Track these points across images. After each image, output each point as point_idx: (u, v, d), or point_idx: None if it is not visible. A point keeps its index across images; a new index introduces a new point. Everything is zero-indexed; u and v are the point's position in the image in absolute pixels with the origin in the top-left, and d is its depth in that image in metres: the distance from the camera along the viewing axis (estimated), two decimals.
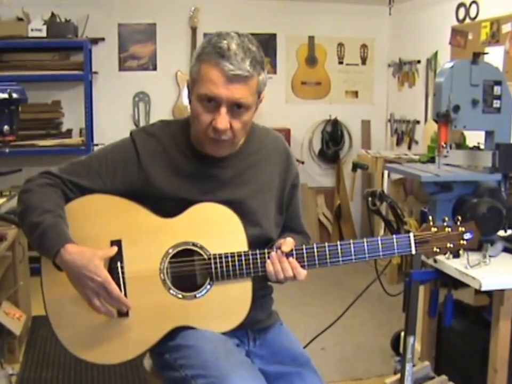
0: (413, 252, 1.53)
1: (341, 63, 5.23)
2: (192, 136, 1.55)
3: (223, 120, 1.42)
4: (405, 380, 1.98)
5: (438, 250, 1.56)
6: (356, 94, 5.31)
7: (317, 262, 1.49)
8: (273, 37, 5.06)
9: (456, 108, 2.22)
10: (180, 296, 1.48)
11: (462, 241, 1.57)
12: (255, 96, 1.46)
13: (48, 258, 1.43)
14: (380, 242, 1.50)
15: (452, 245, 1.56)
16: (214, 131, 1.44)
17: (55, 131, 4.52)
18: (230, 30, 4.58)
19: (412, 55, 4.86)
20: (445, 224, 1.57)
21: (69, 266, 1.41)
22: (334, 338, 3.17)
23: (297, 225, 1.72)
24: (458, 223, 1.58)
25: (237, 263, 1.47)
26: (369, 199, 1.92)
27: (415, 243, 1.53)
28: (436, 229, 1.55)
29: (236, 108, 1.42)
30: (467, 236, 1.57)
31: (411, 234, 1.53)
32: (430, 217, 1.58)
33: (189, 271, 1.49)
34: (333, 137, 5.22)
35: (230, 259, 1.47)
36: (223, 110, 1.41)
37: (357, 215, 5.28)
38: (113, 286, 1.40)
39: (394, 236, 1.52)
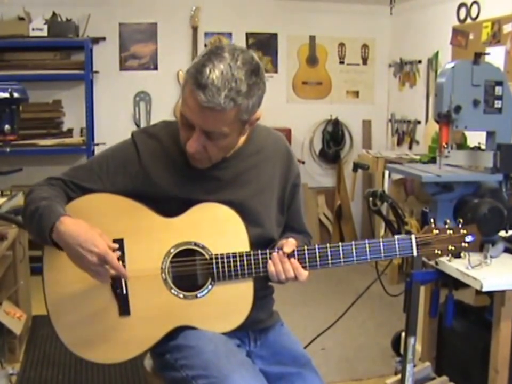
0: (415, 253, 1.53)
1: (341, 63, 5.23)
2: None
3: (193, 144, 1.42)
4: (406, 380, 1.98)
5: (439, 252, 1.56)
6: (356, 94, 5.30)
7: (318, 263, 1.49)
8: (274, 36, 5.06)
9: (458, 108, 2.21)
10: (181, 296, 1.48)
11: (463, 244, 1.57)
12: (235, 124, 1.41)
13: (46, 239, 1.40)
14: (381, 244, 1.50)
15: (453, 247, 1.56)
16: (187, 150, 1.45)
17: (55, 130, 4.52)
18: (231, 30, 4.55)
19: (412, 55, 4.86)
20: (447, 226, 1.57)
21: (65, 238, 1.37)
22: (335, 338, 3.17)
23: (299, 224, 1.72)
24: (460, 225, 1.57)
25: (238, 263, 1.47)
26: (370, 199, 1.92)
27: (417, 245, 1.53)
28: (437, 231, 1.55)
29: (210, 134, 1.41)
30: (469, 238, 1.57)
31: (413, 236, 1.53)
32: (432, 219, 1.58)
33: (190, 271, 1.49)
34: (333, 137, 5.22)
35: (231, 259, 1.47)
36: (196, 134, 1.41)
37: (357, 215, 5.28)
38: (111, 256, 1.37)
39: (396, 238, 1.52)
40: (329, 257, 1.49)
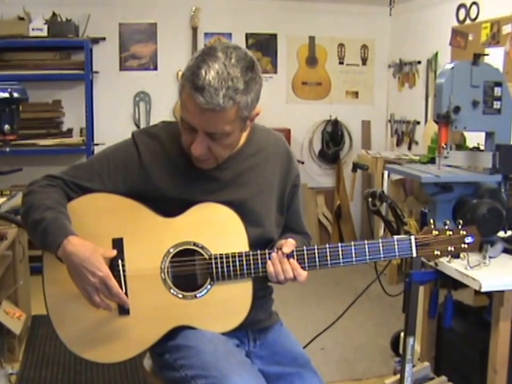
0: (414, 254, 1.53)
1: (341, 63, 5.23)
2: None
3: (198, 146, 1.42)
4: (405, 380, 1.98)
5: (438, 253, 1.55)
6: (356, 94, 5.31)
7: (317, 263, 1.49)
8: (273, 37, 5.06)
9: (457, 109, 2.22)
10: (180, 296, 1.48)
11: (463, 245, 1.56)
12: (236, 122, 1.41)
13: (51, 252, 1.43)
14: (380, 244, 1.50)
15: (452, 249, 1.56)
16: (192, 153, 1.45)
17: (55, 130, 4.52)
18: (230, 30, 4.55)
19: (412, 55, 4.86)
20: (446, 227, 1.57)
21: (71, 257, 1.40)
22: (334, 338, 3.17)
23: (298, 225, 1.72)
24: (460, 226, 1.58)
25: (237, 263, 1.47)
26: (369, 199, 1.93)
27: (416, 246, 1.53)
28: (437, 232, 1.55)
29: (214, 135, 1.41)
30: (468, 239, 1.57)
31: (412, 237, 1.53)
32: (431, 220, 1.58)
33: (189, 270, 1.50)
34: (333, 138, 5.23)
35: (230, 259, 1.47)
36: (200, 137, 1.41)
37: (357, 216, 5.28)
38: (113, 282, 1.40)
39: (395, 239, 1.52)
40: (328, 258, 1.49)
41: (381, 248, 1.50)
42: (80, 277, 1.41)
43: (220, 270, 1.48)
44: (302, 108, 5.16)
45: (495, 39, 3.78)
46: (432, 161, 3.12)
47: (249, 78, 1.38)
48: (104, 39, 4.69)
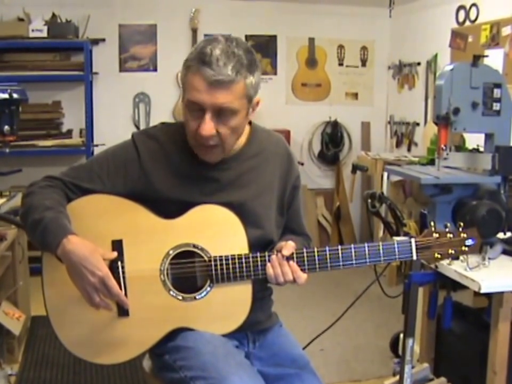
0: (414, 257, 1.53)
1: (341, 64, 5.24)
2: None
3: (207, 126, 1.42)
4: (404, 381, 1.98)
5: (439, 256, 1.55)
6: (355, 95, 5.31)
7: (317, 266, 1.48)
8: (273, 38, 5.07)
9: (456, 110, 2.22)
10: (180, 297, 1.49)
11: (463, 248, 1.56)
12: (243, 100, 1.43)
13: (51, 251, 1.43)
14: (381, 247, 1.50)
15: (453, 251, 1.55)
16: (200, 137, 1.44)
17: (55, 131, 4.52)
18: (230, 32, 4.57)
19: (412, 57, 4.87)
20: (447, 230, 1.56)
21: (70, 256, 1.39)
22: (333, 339, 3.17)
23: (298, 226, 1.72)
24: (460, 229, 1.57)
25: (237, 265, 1.47)
26: (369, 200, 1.93)
27: (417, 249, 1.52)
28: (437, 235, 1.55)
29: (222, 113, 1.41)
30: (469, 242, 1.56)
31: (412, 240, 1.53)
32: (432, 223, 1.57)
33: (189, 272, 1.50)
34: (332, 139, 5.23)
35: (230, 261, 1.47)
36: (208, 116, 1.41)
37: (356, 217, 5.28)
38: (113, 282, 1.40)
39: (395, 241, 1.52)
40: (328, 260, 1.48)
41: (381, 251, 1.50)
42: (79, 276, 1.41)
43: (219, 272, 1.48)
44: (301, 109, 5.17)
45: (495, 40, 3.78)
46: (431, 162, 3.13)
47: (252, 58, 1.43)
48: (104, 40, 4.69)
